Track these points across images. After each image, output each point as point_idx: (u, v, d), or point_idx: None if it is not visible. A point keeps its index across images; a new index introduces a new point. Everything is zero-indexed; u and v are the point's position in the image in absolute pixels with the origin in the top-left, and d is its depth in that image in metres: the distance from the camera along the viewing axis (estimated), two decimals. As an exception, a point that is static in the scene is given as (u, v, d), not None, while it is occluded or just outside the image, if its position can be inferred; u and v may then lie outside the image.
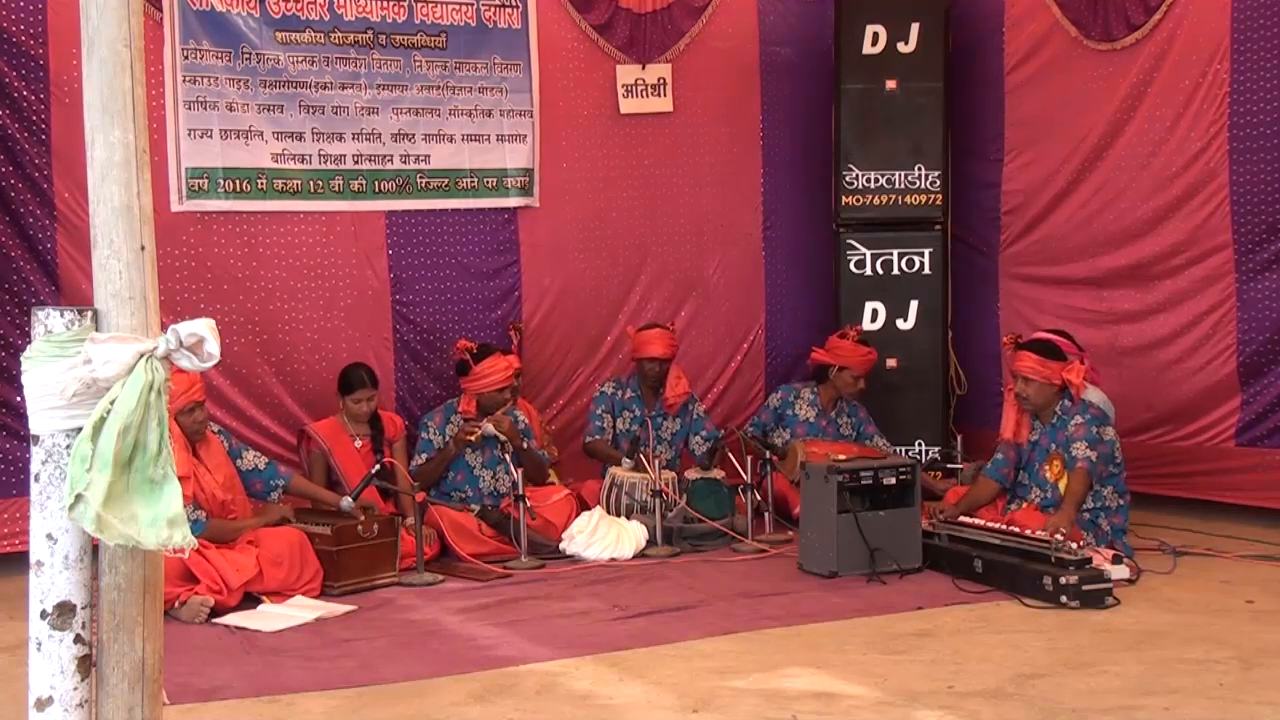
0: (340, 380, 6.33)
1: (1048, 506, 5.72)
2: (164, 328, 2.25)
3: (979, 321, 8.03)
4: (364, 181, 6.85)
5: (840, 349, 7.26)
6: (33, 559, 2.23)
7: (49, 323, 2.22)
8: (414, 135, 6.95)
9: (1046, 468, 5.82)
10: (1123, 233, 7.25)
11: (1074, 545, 5.08)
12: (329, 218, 6.81)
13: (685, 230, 7.84)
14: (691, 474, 6.62)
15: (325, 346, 6.79)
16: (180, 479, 5.21)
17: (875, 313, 7.73)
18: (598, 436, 6.96)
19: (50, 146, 6.03)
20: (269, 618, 5.00)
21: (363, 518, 5.62)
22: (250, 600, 5.20)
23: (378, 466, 5.89)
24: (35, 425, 2.22)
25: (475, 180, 7.14)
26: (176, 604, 4.95)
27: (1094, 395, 6.15)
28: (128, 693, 2.28)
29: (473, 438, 6.28)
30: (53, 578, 2.21)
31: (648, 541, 6.18)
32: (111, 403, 2.15)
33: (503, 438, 6.25)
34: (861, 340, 7.28)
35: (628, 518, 6.31)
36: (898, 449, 7.36)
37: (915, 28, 7.63)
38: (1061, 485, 5.72)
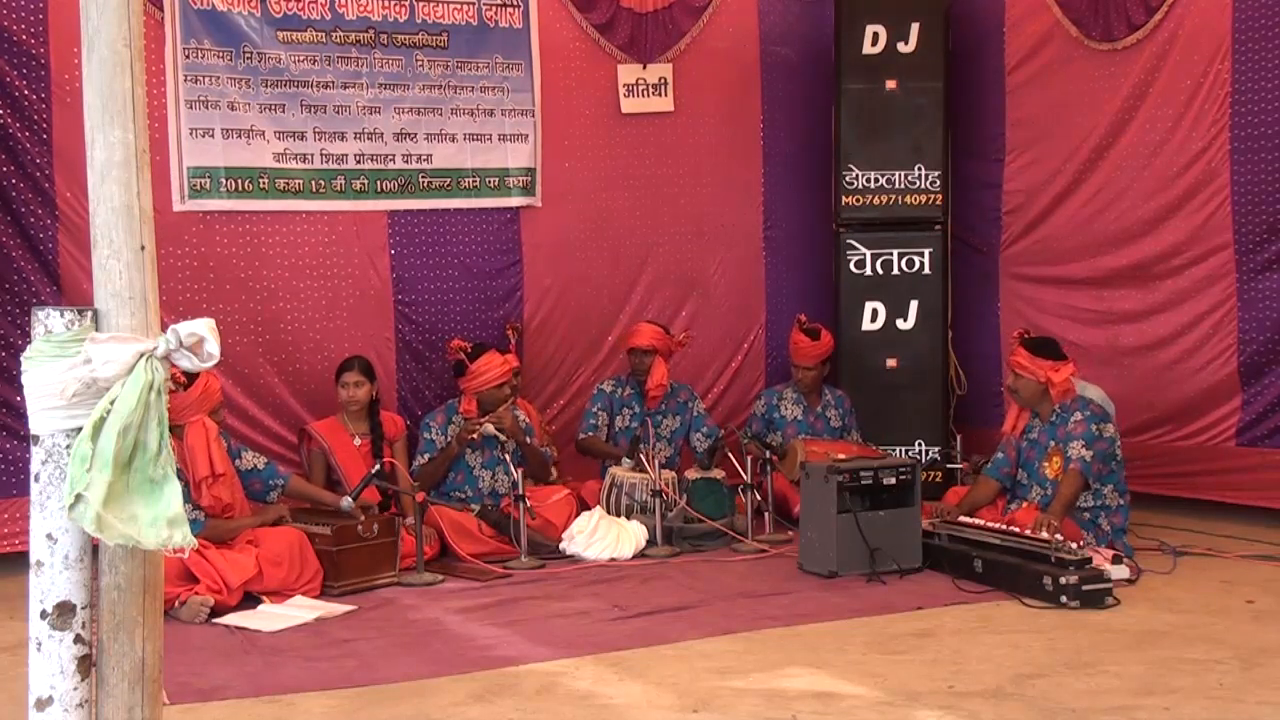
0: (336, 370, 6.40)
1: (1047, 505, 5.71)
2: (165, 328, 2.25)
3: (979, 321, 8.02)
4: (366, 181, 6.86)
5: (790, 342, 7.29)
6: (33, 559, 2.23)
7: (49, 322, 2.22)
8: (416, 135, 6.96)
9: (1046, 465, 5.82)
10: (1123, 233, 7.25)
11: (1074, 545, 5.08)
12: (331, 217, 6.82)
13: (686, 230, 7.84)
14: (691, 474, 6.62)
15: (327, 346, 6.79)
16: (219, 475, 5.28)
17: (875, 313, 7.73)
18: (590, 434, 6.96)
19: (51, 145, 6.03)
20: (269, 618, 5.01)
21: (363, 518, 5.62)
22: (250, 600, 5.20)
23: (377, 467, 5.90)
24: (35, 425, 2.22)
25: (477, 180, 7.14)
26: (176, 604, 4.95)
27: (1092, 392, 6.15)
28: (128, 693, 2.28)
29: (474, 435, 6.28)
30: (53, 578, 2.21)
31: (648, 541, 6.18)
32: (111, 403, 2.15)
33: (503, 438, 6.25)
34: (807, 331, 7.25)
35: (628, 518, 6.31)
36: (897, 449, 7.37)
37: (915, 28, 7.63)
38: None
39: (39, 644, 2.22)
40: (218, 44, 6.45)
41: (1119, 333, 7.26)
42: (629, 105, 7.58)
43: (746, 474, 6.38)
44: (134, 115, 2.27)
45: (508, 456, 6.28)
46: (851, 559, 5.56)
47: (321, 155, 6.73)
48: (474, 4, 7.07)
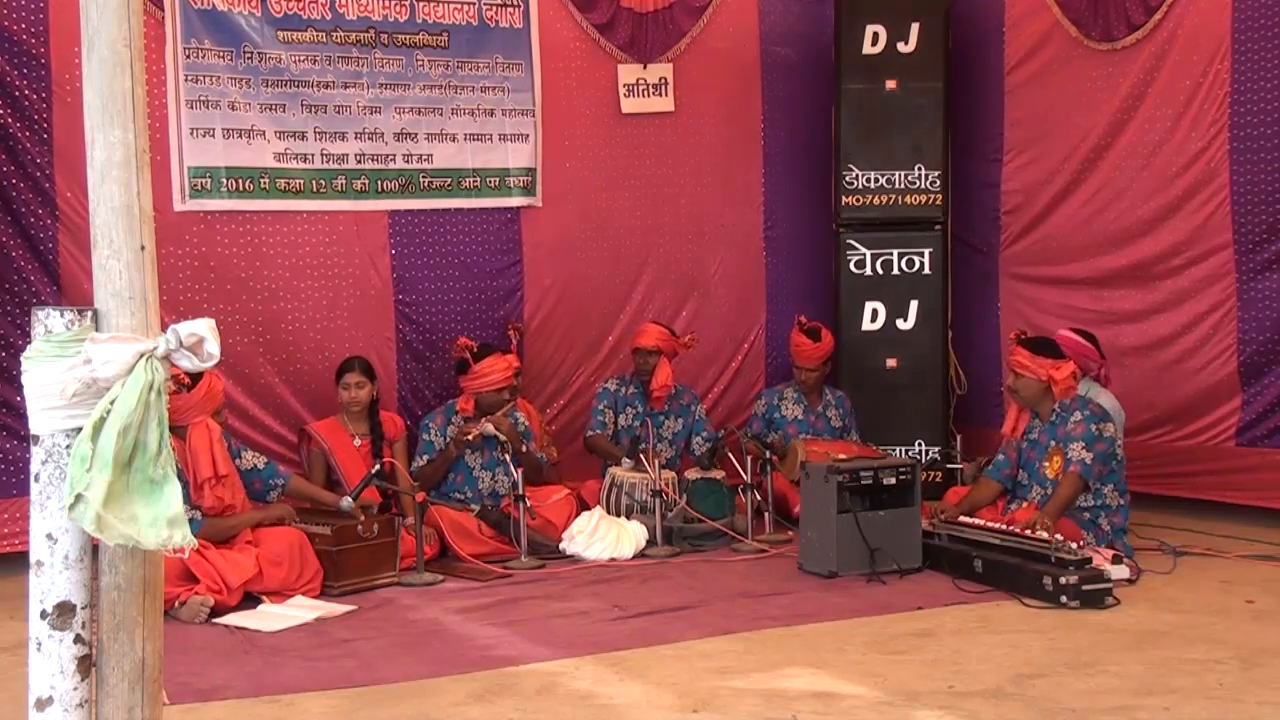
0: (336, 370, 6.40)
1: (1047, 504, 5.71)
2: (165, 328, 2.25)
3: (979, 321, 8.03)
4: (366, 181, 6.86)
5: (790, 344, 7.31)
6: (33, 559, 2.23)
7: (49, 322, 2.22)
8: (416, 134, 6.96)
9: (1046, 465, 5.82)
10: (1123, 233, 7.25)
11: (1074, 545, 5.08)
12: (331, 217, 6.82)
13: (686, 230, 7.85)
14: (691, 474, 6.62)
15: (328, 346, 6.79)
16: (222, 477, 5.33)
17: (875, 313, 7.73)
18: (598, 431, 6.96)
19: (52, 145, 6.03)
20: (269, 618, 5.01)
21: (363, 518, 5.62)
22: (250, 600, 5.20)
23: (377, 467, 5.90)
24: (35, 425, 2.22)
25: (478, 180, 7.14)
26: (176, 604, 4.95)
27: (1106, 400, 6.16)
28: (128, 693, 2.28)
29: (470, 437, 6.28)
30: (53, 578, 2.21)
31: (648, 541, 6.19)
32: (111, 403, 2.15)
33: (502, 438, 6.25)
34: (808, 332, 7.26)
35: (628, 518, 6.31)
36: (897, 449, 7.37)
37: (915, 28, 7.63)
38: (1062, 483, 5.72)
39: (39, 644, 2.22)
40: (218, 44, 6.45)
41: (1119, 333, 7.25)
42: (629, 105, 7.58)
43: (746, 474, 6.38)
44: (134, 115, 2.27)
45: (507, 457, 6.27)
46: (851, 559, 5.56)
47: (322, 155, 6.73)
48: (474, 4, 7.07)
